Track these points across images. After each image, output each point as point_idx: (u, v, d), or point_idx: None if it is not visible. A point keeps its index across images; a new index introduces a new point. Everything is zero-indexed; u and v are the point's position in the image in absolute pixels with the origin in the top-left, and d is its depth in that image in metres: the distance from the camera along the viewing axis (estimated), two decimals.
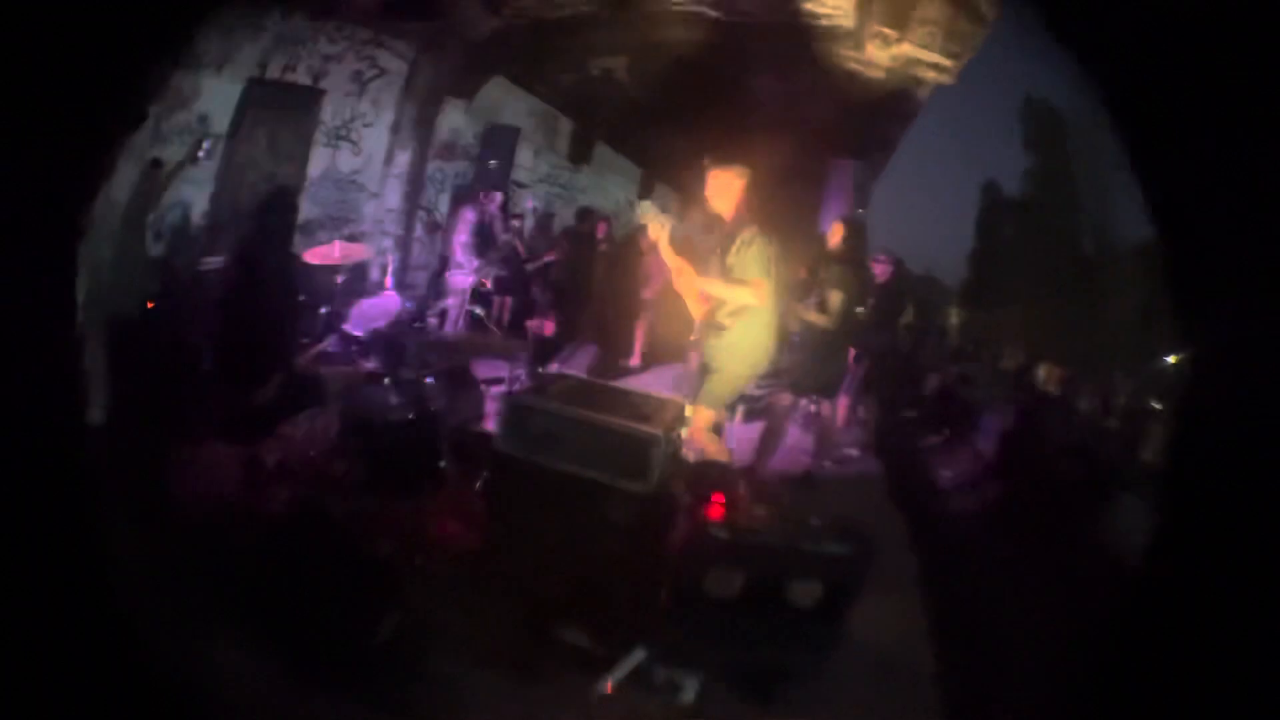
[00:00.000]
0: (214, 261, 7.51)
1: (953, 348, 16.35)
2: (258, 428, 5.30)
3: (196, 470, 4.77)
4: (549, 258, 10.67)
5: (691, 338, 6.28)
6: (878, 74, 10.19)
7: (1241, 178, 2.55)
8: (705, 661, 4.11)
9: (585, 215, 10.91)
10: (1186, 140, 2.70)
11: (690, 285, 5.90)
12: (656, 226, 5.85)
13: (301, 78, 8.79)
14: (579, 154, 13.75)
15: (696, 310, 6.05)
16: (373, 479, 5.09)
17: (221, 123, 7.81)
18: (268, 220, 6.53)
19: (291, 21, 8.51)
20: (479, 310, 9.31)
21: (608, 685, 3.91)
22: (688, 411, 5.33)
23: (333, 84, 9.18)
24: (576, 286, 9.66)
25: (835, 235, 7.17)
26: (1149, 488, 8.06)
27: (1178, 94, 2.66)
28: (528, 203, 11.67)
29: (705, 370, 6.05)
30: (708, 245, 6.31)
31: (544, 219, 10.79)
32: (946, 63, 9.68)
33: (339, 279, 7.68)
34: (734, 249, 5.85)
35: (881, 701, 4.42)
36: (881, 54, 9.72)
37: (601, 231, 10.55)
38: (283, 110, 8.69)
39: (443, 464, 5.32)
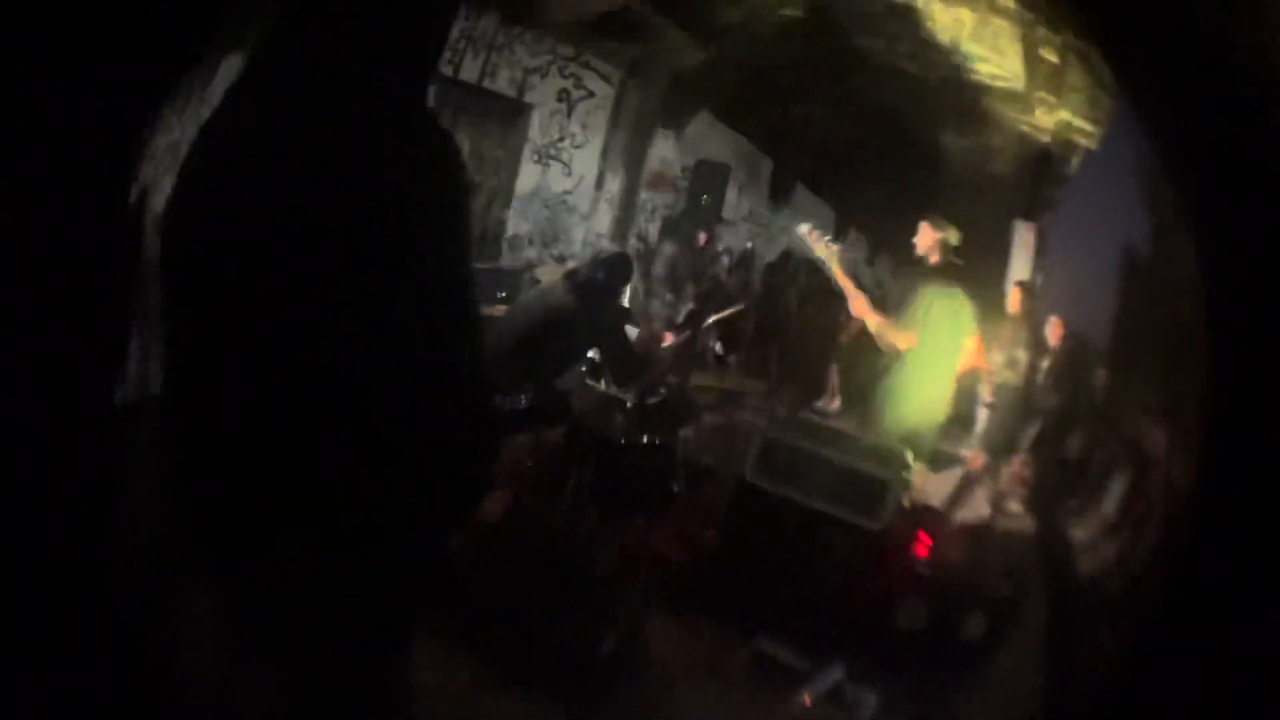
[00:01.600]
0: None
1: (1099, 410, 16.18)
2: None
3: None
4: (734, 309, 10.84)
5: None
6: (1045, 138, 10.36)
7: None
8: (884, 684, 4.59)
9: (784, 259, 11.11)
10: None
11: (865, 313, 6.27)
12: (823, 247, 6.37)
13: (502, 86, 9.18)
14: (779, 194, 14.00)
15: (889, 344, 6.42)
16: (601, 497, 5.55)
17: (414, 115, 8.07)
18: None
19: (480, 21, 8.91)
20: (720, 351, 9.63)
21: (806, 698, 4.43)
22: (910, 459, 5.78)
23: (538, 98, 9.58)
24: (774, 328, 9.91)
25: (1016, 299, 7.45)
26: None
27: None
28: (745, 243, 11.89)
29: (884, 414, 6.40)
30: (895, 289, 6.80)
31: (743, 258, 11.00)
32: (1091, 129, 9.80)
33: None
34: (925, 302, 6.31)
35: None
36: (1047, 119, 9.89)
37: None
38: (483, 116, 9.10)
39: (676, 488, 5.72)
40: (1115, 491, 10.04)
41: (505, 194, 9.63)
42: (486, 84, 9.14)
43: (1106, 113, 9.50)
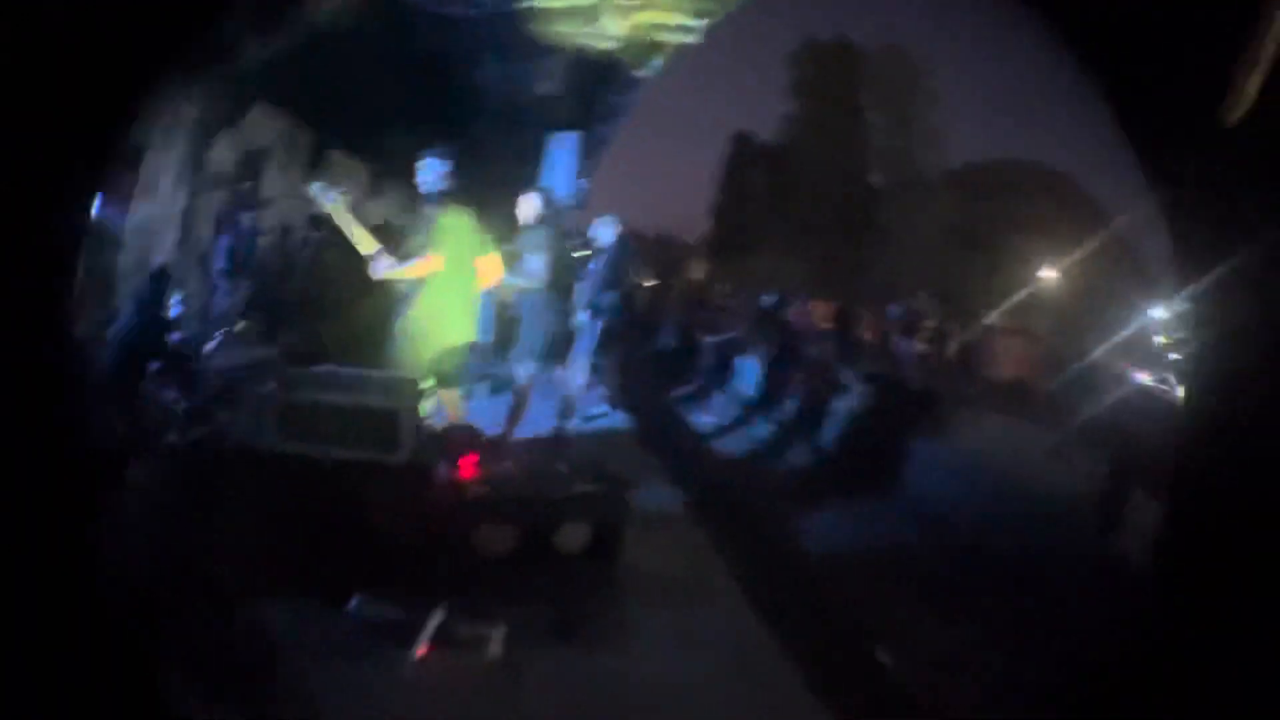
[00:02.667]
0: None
1: (695, 298, 16.77)
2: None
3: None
4: None
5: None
6: (608, 44, 10.53)
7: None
8: (504, 615, 4.51)
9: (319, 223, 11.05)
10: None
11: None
12: (329, 201, 6.65)
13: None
14: (316, 164, 13.86)
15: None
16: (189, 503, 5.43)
17: None
18: None
19: None
20: (242, 328, 9.42)
21: (419, 649, 4.34)
22: (426, 385, 5.81)
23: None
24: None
25: (527, 207, 7.57)
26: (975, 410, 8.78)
27: None
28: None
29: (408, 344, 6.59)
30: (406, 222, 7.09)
31: (288, 232, 10.93)
32: (693, 23, 10.05)
33: None
34: (432, 228, 6.55)
35: (677, 633, 4.84)
36: (619, 25, 10.06)
37: None
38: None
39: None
40: (747, 373, 10.37)
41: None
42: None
43: (724, 5, 9.63)
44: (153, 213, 9.94)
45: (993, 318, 12.14)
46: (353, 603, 4.62)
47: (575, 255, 8.65)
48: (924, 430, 8.08)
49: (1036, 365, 11.79)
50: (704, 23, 10.06)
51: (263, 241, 10.97)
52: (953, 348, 12.38)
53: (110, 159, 3.34)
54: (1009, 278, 13.32)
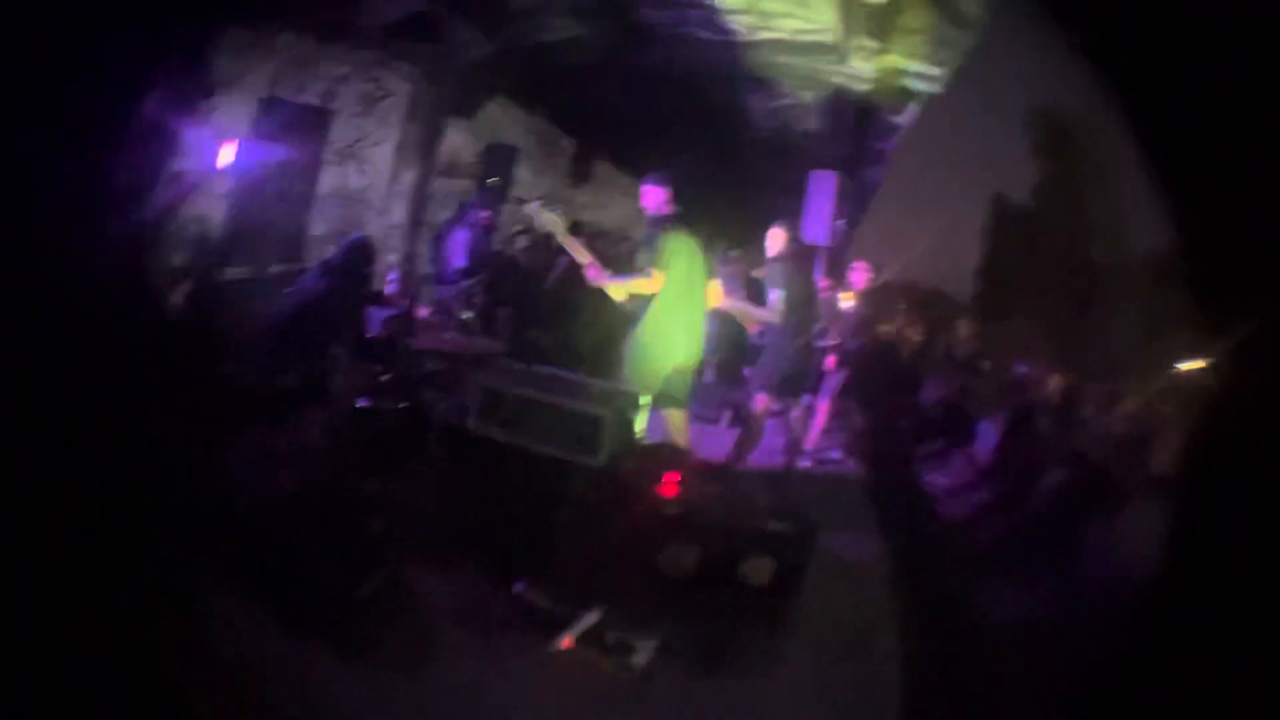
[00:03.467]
0: (234, 272, 8.02)
1: (959, 359, 16.41)
2: (273, 419, 5.86)
3: (221, 451, 5.29)
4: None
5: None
6: (863, 87, 10.42)
7: (1265, 182, 2.60)
8: (662, 631, 4.49)
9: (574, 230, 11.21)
10: (1209, 142, 2.75)
11: (598, 275, 6.63)
12: (552, 220, 6.87)
13: (311, 99, 9.23)
14: (580, 172, 14.07)
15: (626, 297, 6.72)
16: (369, 461, 5.62)
17: (238, 137, 8.16)
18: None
19: (302, 43, 8.94)
20: (468, 318, 9.64)
21: (564, 640, 4.35)
22: (643, 400, 5.82)
23: (342, 104, 9.61)
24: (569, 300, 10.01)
25: (774, 241, 7.53)
26: (1160, 496, 8.39)
27: (1196, 93, 2.75)
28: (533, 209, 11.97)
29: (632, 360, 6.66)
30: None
31: (543, 236, 11.01)
32: (934, 71, 9.85)
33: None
34: (664, 251, 6.51)
35: (836, 681, 4.70)
36: (866, 66, 9.95)
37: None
38: (293, 129, 9.12)
39: (428, 448, 5.72)
40: (989, 438, 10.13)
41: (306, 198, 9.58)
42: (299, 98, 9.13)
43: (956, 52, 9.48)
44: (362, 184, 10.28)
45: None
46: (518, 585, 4.66)
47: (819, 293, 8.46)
48: (1105, 515, 7.61)
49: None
50: (943, 71, 9.82)
51: (500, 239, 11.26)
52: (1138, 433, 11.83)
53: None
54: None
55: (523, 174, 12.10)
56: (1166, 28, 2.68)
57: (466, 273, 9.69)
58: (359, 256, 7.01)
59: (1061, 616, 6.10)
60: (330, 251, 7.23)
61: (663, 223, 6.64)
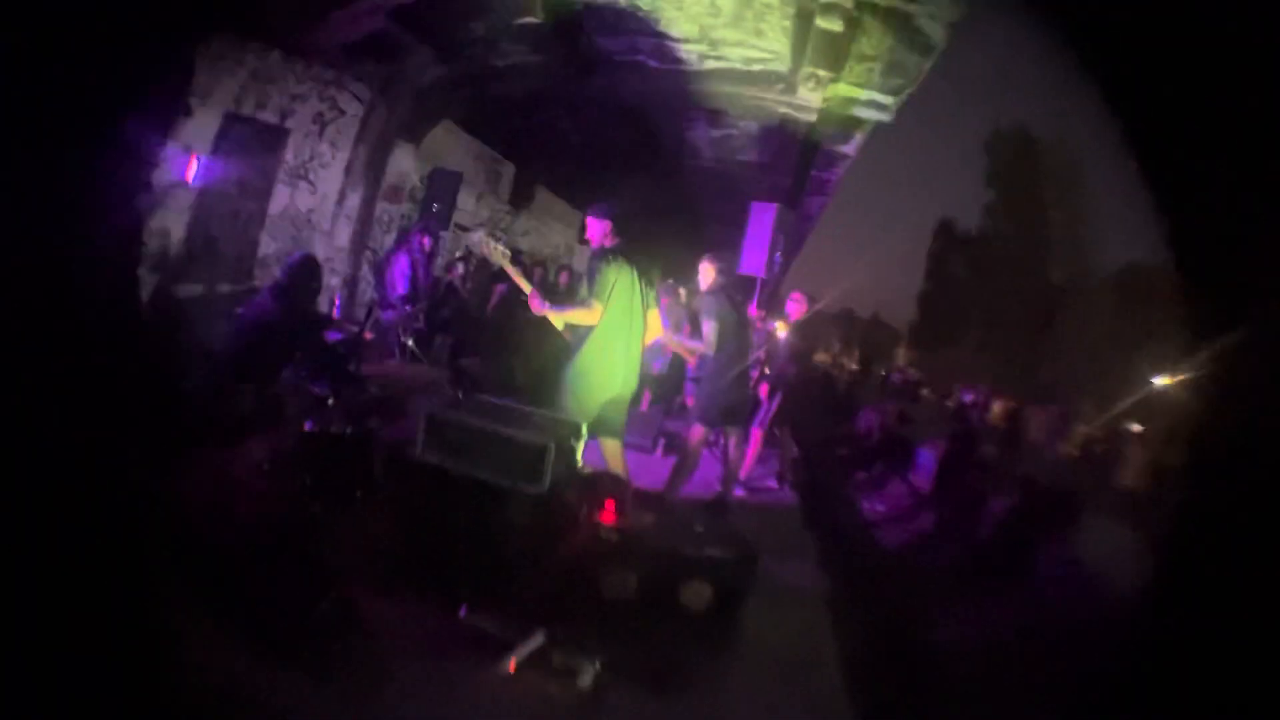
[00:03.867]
0: (187, 289, 8.03)
1: (897, 385, 16.66)
2: (225, 441, 5.97)
3: (176, 475, 5.36)
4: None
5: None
6: (809, 116, 10.55)
7: (1246, 199, 2.61)
8: (605, 653, 4.58)
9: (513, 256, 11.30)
10: (1191, 162, 2.77)
11: (537, 306, 6.72)
12: (494, 251, 6.98)
13: (270, 116, 9.29)
14: (520, 198, 14.18)
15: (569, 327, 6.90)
16: (316, 487, 5.71)
17: (202, 152, 8.38)
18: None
19: (267, 59, 9.01)
20: (411, 344, 9.71)
21: (510, 664, 4.46)
22: (584, 431, 5.95)
23: (297, 123, 9.69)
24: (508, 327, 10.09)
25: (705, 274, 7.69)
26: (1117, 516, 8.57)
27: (1164, 109, 2.78)
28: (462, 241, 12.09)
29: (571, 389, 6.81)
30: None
31: (482, 261, 11.10)
32: (885, 100, 9.98)
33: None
34: (606, 281, 6.68)
35: (779, 703, 4.87)
36: (814, 96, 10.08)
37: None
38: (251, 147, 9.18)
39: (375, 474, 5.92)
40: (929, 464, 10.32)
41: (260, 217, 9.64)
42: (259, 115, 9.18)
43: (911, 77, 9.63)
44: (310, 204, 10.45)
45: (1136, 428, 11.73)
46: (462, 610, 4.77)
47: (750, 325, 8.61)
48: (1058, 537, 7.81)
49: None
50: (893, 100, 9.96)
51: (441, 265, 11.35)
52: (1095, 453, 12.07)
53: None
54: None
55: (464, 200, 12.18)
56: (1133, 42, 2.75)
57: (407, 299, 9.78)
58: (304, 274, 7.06)
59: (1011, 638, 6.29)
60: (278, 273, 7.28)
61: (605, 255, 6.77)
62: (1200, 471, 2.79)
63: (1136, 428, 11.95)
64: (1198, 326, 2.79)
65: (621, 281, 6.73)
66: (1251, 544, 2.57)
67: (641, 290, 6.87)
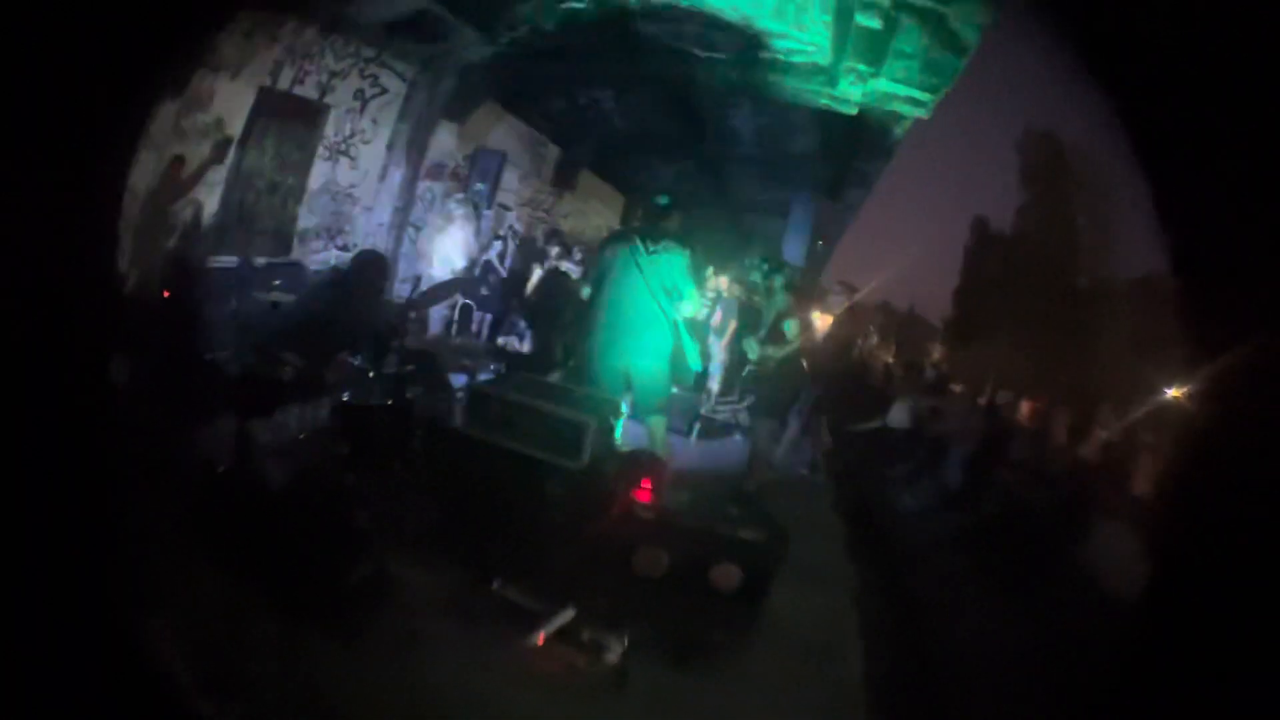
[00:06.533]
0: (222, 260, 8.09)
1: (929, 380, 16.55)
2: (260, 410, 5.90)
3: (207, 442, 5.45)
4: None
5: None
6: (851, 110, 10.53)
7: (1259, 208, 2.56)
8: (633, 630, 4.61)
9: (552, 237, 11.29)
10: (1204, 169, 2.71)
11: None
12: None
13: (309, 91, 9.32)
14: (563, 180, 14.17)
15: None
16: (355, 456, 5.76)
17: (235, 126, 8.32)
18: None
19: (304, 34, 9.03)
20: (456, 322, 9.75)
21: (539, 637, 4.49)
22: (624, 410, 5.98)
23: (337, 99, 9.70)
24: (548, 307, 10.11)
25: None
26: (1138, 520, 8.53)
27: (1196, 118, 2.69)
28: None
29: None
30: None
31: (525, 242, 11.14)
32: (923, 97, 9.94)
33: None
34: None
35: (801, 686, 4.87)
36: (855, 90, 10.05)
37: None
38: (289, 121, 9.21)
39: (414, 443, 5.96)
40: (956, 462, 10.27)
41: (298, 191, 9.67)
42: (296, 90, 9.20)
43: (947, 77, 9.63)
44: (351, 180, 10.44)
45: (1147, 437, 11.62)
46: (495, 581, 4.79)
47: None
48: (1078, 538, 7.78)
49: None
50: (931, 97, 9.90)
51: (482, 242, 11.37)
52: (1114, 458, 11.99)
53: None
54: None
55: (508, 180, 12.22)
56: (1164, 49, 2.67)
57: (449, 280, 9.81)
58: (371, 272, 7.12)
59: (1032, 634, 6.27)
60: (333, 255, 7.32)
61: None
62: (1213, 480, 2.77)
63: (1153, 435, 11.84)
64: (1215, 337, 2.77)
65: (621, 264, 6.83)
66: (1263, 552, 2.56)
67: (673, 275, 6.85)
